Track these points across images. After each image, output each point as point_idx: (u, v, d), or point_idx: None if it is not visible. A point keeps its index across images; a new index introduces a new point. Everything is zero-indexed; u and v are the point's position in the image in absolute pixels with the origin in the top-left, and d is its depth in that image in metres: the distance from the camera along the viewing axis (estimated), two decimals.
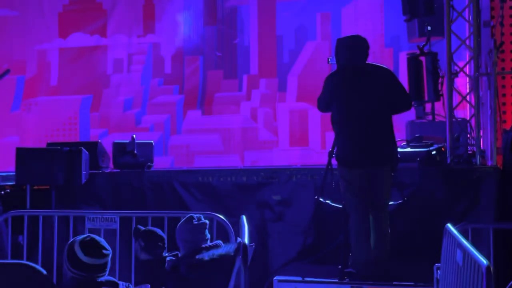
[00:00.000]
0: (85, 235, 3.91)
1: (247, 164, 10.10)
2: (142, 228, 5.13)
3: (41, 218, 5.95)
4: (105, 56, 11.16)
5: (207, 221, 4.94)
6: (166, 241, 5.07)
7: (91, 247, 3.79)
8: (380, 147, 5.39)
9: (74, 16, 11.31)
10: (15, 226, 5.98)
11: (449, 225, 4.46)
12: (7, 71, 6.65)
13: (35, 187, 6.76)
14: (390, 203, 5.56)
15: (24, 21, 11.37)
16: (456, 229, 4.36)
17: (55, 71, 11.26)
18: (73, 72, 11.21)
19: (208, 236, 4.87)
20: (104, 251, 3.80)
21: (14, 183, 6.81)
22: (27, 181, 6.64)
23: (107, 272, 3.85)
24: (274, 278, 5.56)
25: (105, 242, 3.87)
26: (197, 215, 4.97)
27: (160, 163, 9.36)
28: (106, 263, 3.82)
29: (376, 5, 10.25)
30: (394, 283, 5.32)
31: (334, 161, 5.63)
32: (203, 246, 4.73)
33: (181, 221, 4.94)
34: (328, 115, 5.71)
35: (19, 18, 11.40)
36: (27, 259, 5.47)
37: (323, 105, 5.65)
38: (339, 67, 5.57)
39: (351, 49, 5.50)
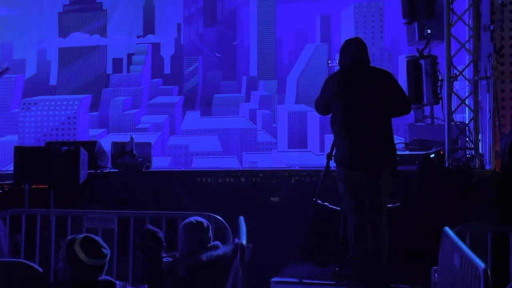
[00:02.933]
0: (83, 235, 3.89)
1: (246, 165, 10.10)
2: (145, 228, 5.12)
3: (39, 217, 5.94)
4: (104, 56, 11.16)
5: (208, 224, 4.93)
6: (163, 241, 5.06)
7: (91, 247, 3.77)
8: (380, 149, 5.38)
9: (74, 16, 11.32)
10: (13, 224, 5.97)
11: (447, 228, 4.45)
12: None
13: (34, 186, 6.75)
14: (388, 205, 5.55)
15: (24, 20, 11.37)
16: (454, 232, 4.36)
17: (54, 70, 11.27)
18: (73, 72, 11.21)
19: (210, 237, 4.87)
20: (104, 251, 3.79)
21: (12, 181, 6.80)
22: (25, 180, 6.63)
23: (105, 271, 3.84)
24: (272, 279, 5.55)
25: (102, 241, 3.86)
26: (198, 217, 4.96)
27: (159, 163, 9.36)
28: (105, 263, 3.80)
29: (376, 8, 10.25)
30: (391, 285, 5.31)
31: (332, 163, 5.62)
32: (201, 247, 4.72)
33: (183, 223, 4.93)
34: (327, 118, 5.71)
35: (19, 17, 11.40)
36: (25, 258, 5.46)
37: (322, 107, 5.63)
38: (343, 67, 5.55)
39: (359, 50, 5.50)
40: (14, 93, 11.24)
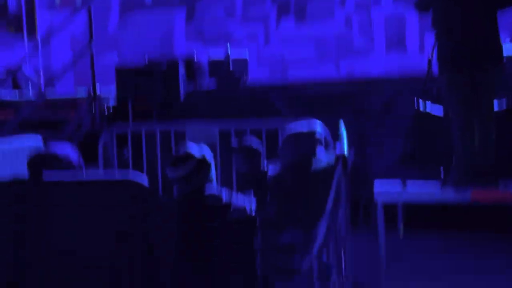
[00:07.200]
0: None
1: (343, 73, 9.96)
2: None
3: (143, 132, 6.11)
4: None
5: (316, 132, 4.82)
6: (263, 153, 5.03)
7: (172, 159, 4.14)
8: (486, 46, 5.14)
9: None
10: (120, 140, 6.19)
11: None
12: None
13: (136, 106, 6.92)
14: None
15: None
16: None
17: None
18: None
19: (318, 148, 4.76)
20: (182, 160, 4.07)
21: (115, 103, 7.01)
22: (128, 99, 6.81)
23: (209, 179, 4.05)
24: (375, 180, 5.49)
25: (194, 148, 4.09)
26: (305, 128, 4.84)
27: (255, 74, 9.36)
28: (187, 172, 4.05)
29: None
30: (500, 186, 5.18)
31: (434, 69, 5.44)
32: (305, 157, 4.66)
33: (288, 133, 4.84)
34: (427, 17, 5.49)
35: None
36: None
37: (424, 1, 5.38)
38: None
39: None
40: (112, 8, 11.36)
